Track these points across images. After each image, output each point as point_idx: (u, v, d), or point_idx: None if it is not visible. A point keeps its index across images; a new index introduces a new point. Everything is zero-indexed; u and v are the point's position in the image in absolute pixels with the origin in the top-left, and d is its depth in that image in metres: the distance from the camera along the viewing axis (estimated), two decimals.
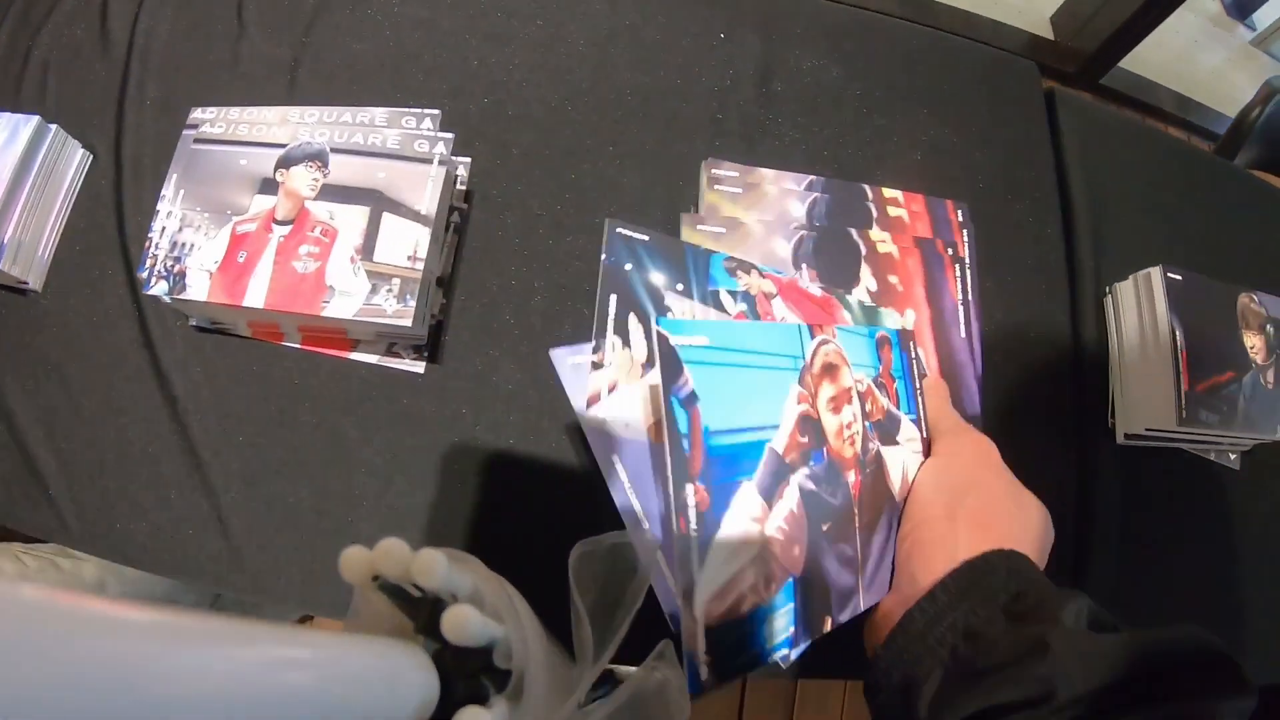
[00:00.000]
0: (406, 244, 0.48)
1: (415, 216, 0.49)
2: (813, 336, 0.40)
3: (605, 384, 0.44)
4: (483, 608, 0.28)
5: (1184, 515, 0.66)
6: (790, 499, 0.35)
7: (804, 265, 0.53)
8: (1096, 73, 1.89)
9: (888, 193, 0.57)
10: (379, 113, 0.58)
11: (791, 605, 0.36)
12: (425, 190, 0.49)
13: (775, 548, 0.35)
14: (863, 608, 0.38)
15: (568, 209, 0.59)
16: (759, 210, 0.55)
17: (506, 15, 0.64)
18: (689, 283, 0.47)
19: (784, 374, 0.37)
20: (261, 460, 0.55)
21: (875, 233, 0.55)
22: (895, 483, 0.40)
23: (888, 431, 0.41)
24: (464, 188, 0.60)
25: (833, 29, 0.68)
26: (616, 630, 0.36)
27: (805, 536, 0.36)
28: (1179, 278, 0.65)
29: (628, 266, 0.44)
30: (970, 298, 0.55)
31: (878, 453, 0.40)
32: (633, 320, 0.45)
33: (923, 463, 0.42)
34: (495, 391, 0.56)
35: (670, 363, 0.34)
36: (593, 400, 0.42)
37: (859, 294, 0.54)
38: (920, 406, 0.44)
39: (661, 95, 0.63)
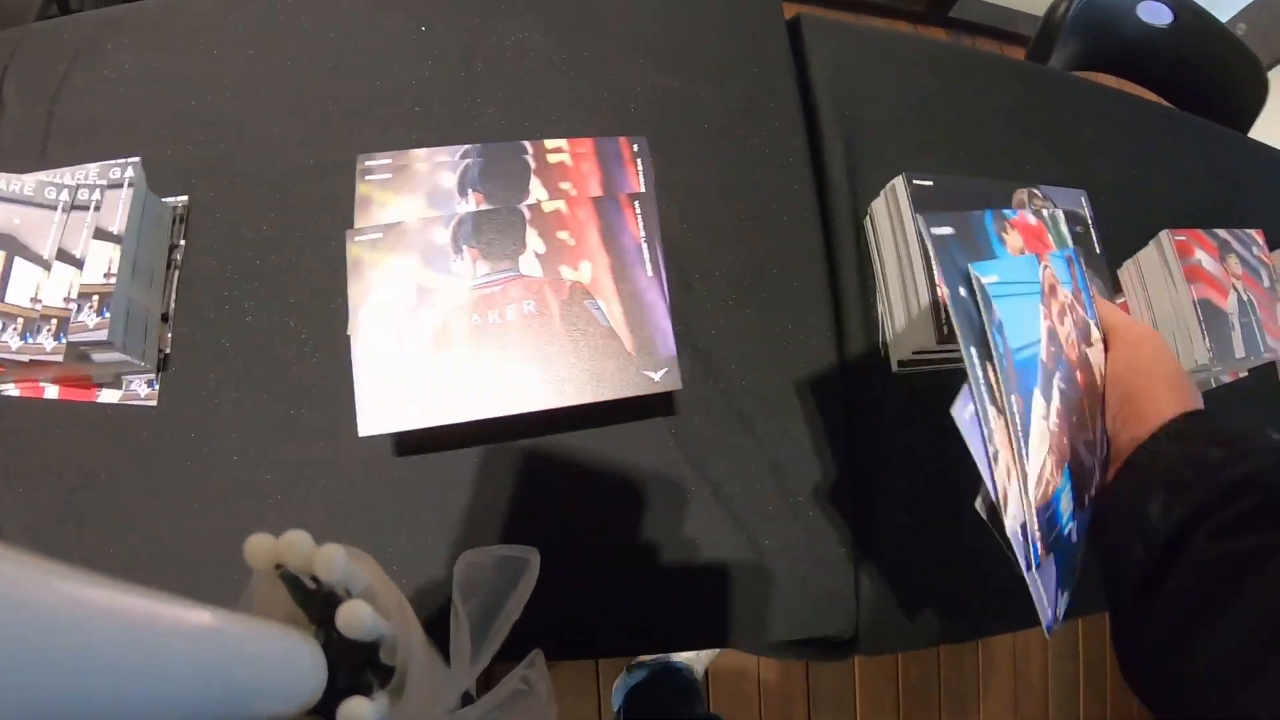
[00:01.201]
0: (30, 286, 0.44)
1: (39, 261, 0.45)
2: (1039, 262, 0.43)
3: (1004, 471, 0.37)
4: (374, 605, 0.28)
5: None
6: (1055, 398, 0.39)
7: (464, 248, 0.47)
8: (945, 7, 1.73)
9: (550, 142, 0.50)
10: (92, 169, 0.55)
11: (1069, 485, 0.39)
12: (50, 235, 0.46)
13: (1055, 439, 0.38)
14: (1098, 481, 0.41)
15: (276, 229, 0.55)
16: (409, 191, 0.48)
17: (221, 51, 0.60)
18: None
19: (1034, 298, 0.41)
20: (41, 512, 0.53)
21: (545, 201, 0.48)
22: (1098, 377, 0.43)
23: (1085, 335, 0.44)
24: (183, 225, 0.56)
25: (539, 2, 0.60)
26: (494, 638, 0.36)
27: (1068, 427, 0.39)
28: (929, 183, 0.54)
29: (962, 292, 0.38)
30: (652, 234, 0.47)
31: (1084, 352, 0.43)
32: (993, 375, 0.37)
33: (1106, 355, 0.45)
34: (218, 413, 0.52)
35: (987, 301, 0.37)
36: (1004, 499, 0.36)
37: (528, 262, 0.47)
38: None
39: (365, 102, 0.57)
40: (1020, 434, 0.37)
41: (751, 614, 0.50)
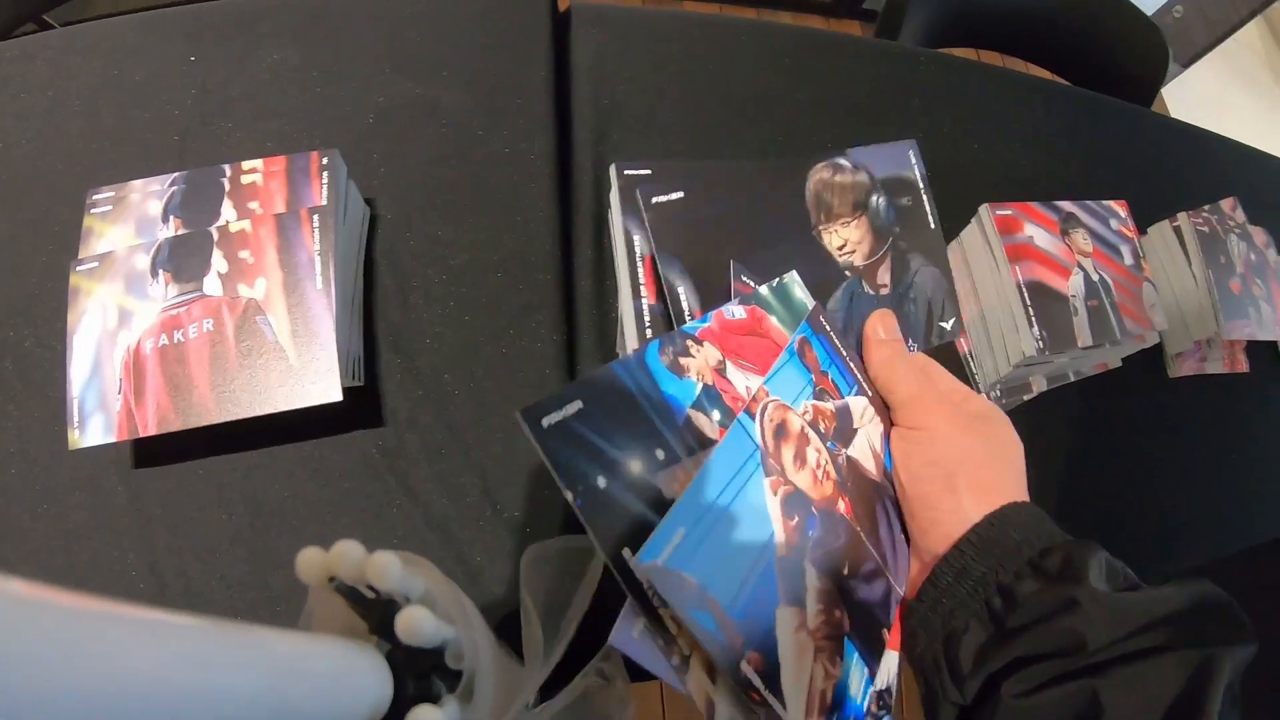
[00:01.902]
0: None
1: None
2: (752, 417, 0.34)
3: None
4: (434, 609, 0.28)
5: None
6: (811, 581, 0.33)
7: (160, 272, 0.50)
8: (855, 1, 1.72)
9: (247, 164, 0.52)
10: None
11: (856, 655, 0.34)
12: None
13: (822, 632, 0.33)
14: (902, 593, 0.38)
15: (51, 260, 0.60)
16: (124, 222, 0.52)
17: (28, 95, 0.66)
18: (659, 431, 0.33)
19: (753, 481, 0.33)
20: None
21: (233, 222, 0.50)
22: (871, 469, 0.38)
23: (844, 430, 0.38)
24: None
25: (303, 19, 0.63)
26: (565, 632, 0.36)
27: (838, 595, 0.34)
28: (645, 171, 0.52)
29: (601, 482, 0.30)
30: (327, 247, 0.49)
31: (846, 458, 0.37)
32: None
33: (886, 429, 0.40)
34: (3, 431, 0.58)
35: (676, 588, 0.29)
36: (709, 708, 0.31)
37: (211, 283, 0.49)
38: (854, 370, 0.41)
39: (136, 137, 0.62)
40: (767, 687, 0.30)
41: None
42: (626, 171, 0.53)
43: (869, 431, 0.38)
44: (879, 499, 0.37)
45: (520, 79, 0.61)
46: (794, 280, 0.43)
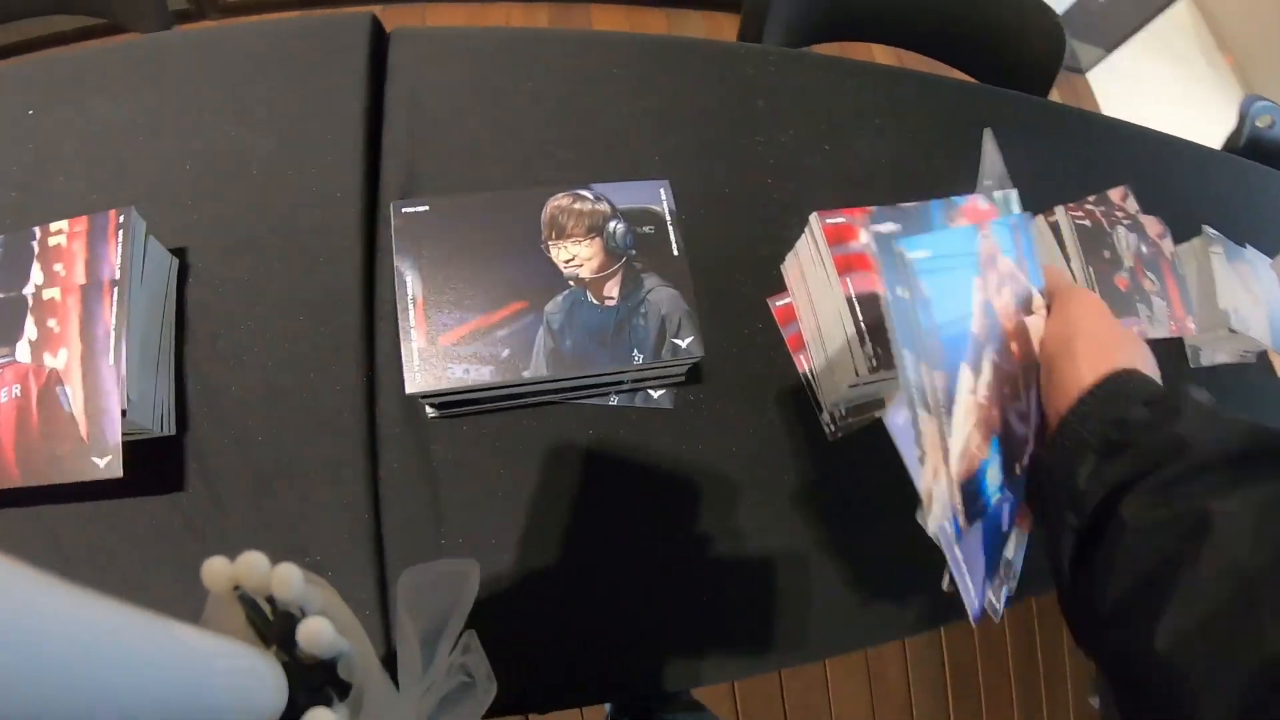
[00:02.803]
0: None
1: None
2: (979, 231, 0.48)
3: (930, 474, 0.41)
4: (332, 623, 0.31)
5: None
6: (986, 371, 0.44)
7: None
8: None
9: (54, 225, 0.57)
10: None
11: (998, 458, 0.44)
12: None
13: (984, 412, 0.43)
14: (1032, 450, 0.46)
15: None
16: None
17: None
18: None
19: (969, 270, 0.46)
20: None
21: (45, 289, 0.56)
22: (1036, 345, 0.48)
23: (1025, 304, 0.48)
24: None
25: (131, 69, 0.68)
26: (440, 652, 0.41)
27: (999, 398, 0.44)
28: (423, 209, 0.55)
29: (899, 291, 0.42)
30: (121, 320, 0.53)
31: (1022, 322, 0.47)
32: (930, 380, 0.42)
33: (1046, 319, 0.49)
34: None
35: (913, 278, 0.42)
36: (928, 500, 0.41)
37: (23, 349, 0.55)
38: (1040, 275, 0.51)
39: None
40: (944, 412, 0.41)
41: None
42: (404, 210, 0.56)
43: (1036, 321, 0.48)
44: (1031, 373, 0.46)
45: (332, 116, 0.64)
46: (1012, 193, 0.54)
